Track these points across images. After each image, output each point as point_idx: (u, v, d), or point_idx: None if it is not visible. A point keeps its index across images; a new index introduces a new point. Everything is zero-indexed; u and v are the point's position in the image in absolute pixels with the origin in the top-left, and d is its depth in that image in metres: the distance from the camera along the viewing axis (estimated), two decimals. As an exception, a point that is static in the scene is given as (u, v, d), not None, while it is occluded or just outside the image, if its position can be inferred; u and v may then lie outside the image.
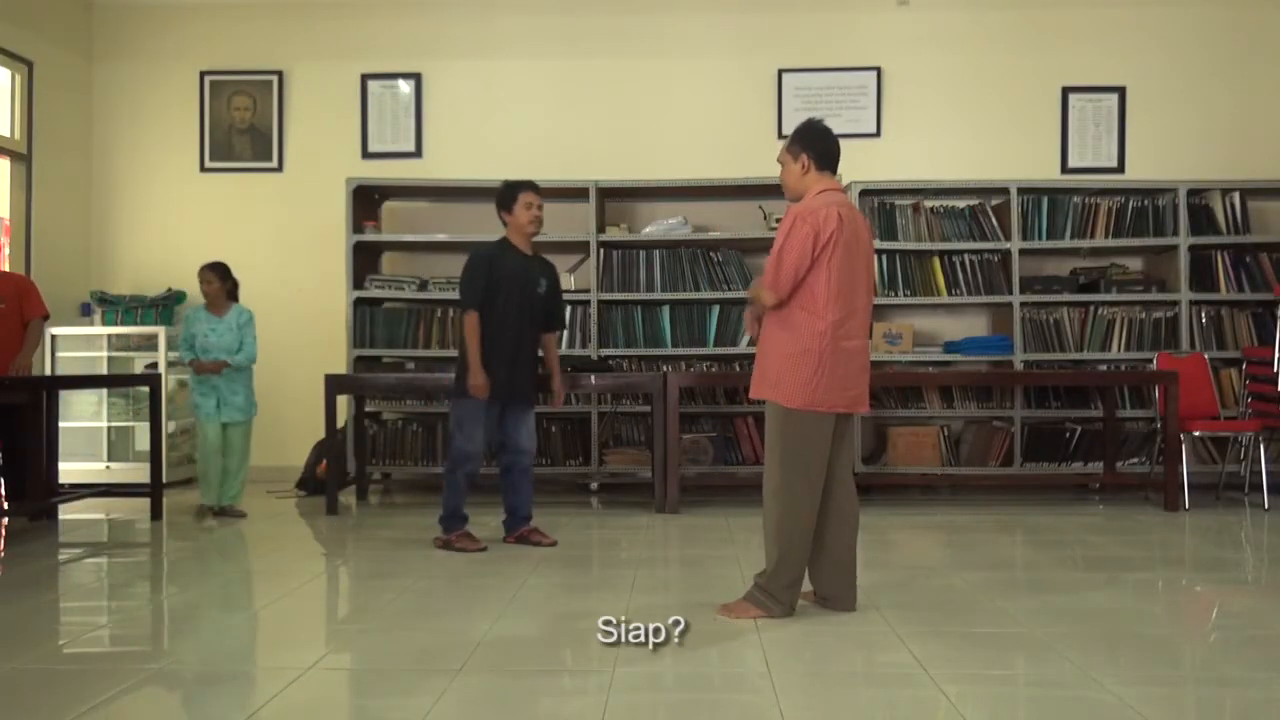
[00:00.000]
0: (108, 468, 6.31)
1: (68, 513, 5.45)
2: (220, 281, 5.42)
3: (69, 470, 5.83)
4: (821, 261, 3.11)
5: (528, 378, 4.46)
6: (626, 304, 6.18)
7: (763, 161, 6.49)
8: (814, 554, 3.29)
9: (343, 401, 5.83)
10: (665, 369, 6.03)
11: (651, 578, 3.87)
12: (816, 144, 3.26)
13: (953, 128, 6.55)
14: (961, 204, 6.21)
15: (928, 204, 6.20)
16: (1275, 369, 5.54)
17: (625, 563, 4.16)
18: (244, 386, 5.44)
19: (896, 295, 6.11)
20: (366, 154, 6.70)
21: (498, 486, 4.54)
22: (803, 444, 3.16)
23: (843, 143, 6.95)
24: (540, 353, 4.59)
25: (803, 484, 3.17)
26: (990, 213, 6.16)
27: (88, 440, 6.35)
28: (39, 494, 5.12)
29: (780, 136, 6.55)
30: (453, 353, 6.13)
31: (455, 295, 6.11)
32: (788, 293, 3.14)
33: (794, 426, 3.16)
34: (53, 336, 6.27)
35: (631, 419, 6.26)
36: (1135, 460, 6.04)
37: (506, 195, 4.45)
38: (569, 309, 6.16)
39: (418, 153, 6.69)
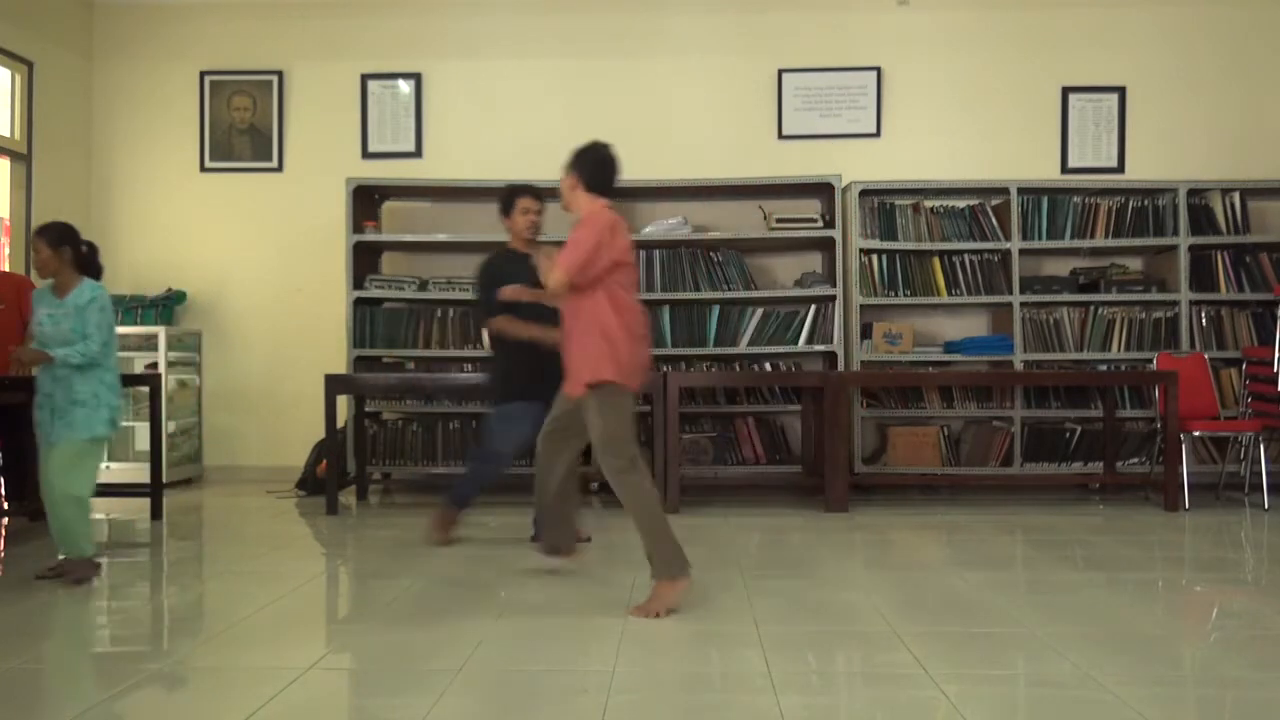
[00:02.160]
0: (108, 468, 6.29)
1: (68, 513, 5.44)
2: (51, 249, 3.88)
3: (69, 470, 5.81)
4: (622, 261, 3.41)
5: (558, 373, 4.43)
6: (626, 304, 6.18)
7: (763, 161, 6.52)
8: (548, 508, 3.73)
9: (343, 401, 5.83)
10: (665, 369, 6.03)
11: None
12: (586, 170, 3.49)
13: (953, 128, 6.55)
14: (961, 204, 6.21)
15: (928, 204, 6.20)
16: (1275, 369, 5.54)
17: (625, 563, 4.16)
18: (88, 393, 3.87)
19: (896, 295, 6.11)
20: (366, 154, 6.70)
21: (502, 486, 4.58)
22: (626, 419, 3.42)
23: (843, 143, 7.02)
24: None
25: (637, 456, 3.40)
26: (990, 213, 6.16)
27: (88, 440, 6.33)
28: (39, 494, 5.11)
29: (780, 136, 6.57)
30: (453, 353, 6.16)
31: (455, 295, 6.15)
32: (578, 270, 3.33)
33: (620, 404, 3.40)
34: (53, 336, 6.26)
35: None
36: (1135, 460, 6.04)
37: (505, 201, 4.51)
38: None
39: (418, 153, 6.69)
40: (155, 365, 6.31)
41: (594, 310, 3.40)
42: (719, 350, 6.09)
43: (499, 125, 6.66)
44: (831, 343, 6.03)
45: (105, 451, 4.03)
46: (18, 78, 6.22)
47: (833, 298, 6.07)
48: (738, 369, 6.21)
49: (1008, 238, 6.08)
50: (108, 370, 3.97)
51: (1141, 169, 6.44)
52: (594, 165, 3.48)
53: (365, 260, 6.34)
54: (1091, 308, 6.08)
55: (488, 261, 4.50)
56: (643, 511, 3.37)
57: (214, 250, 6.74)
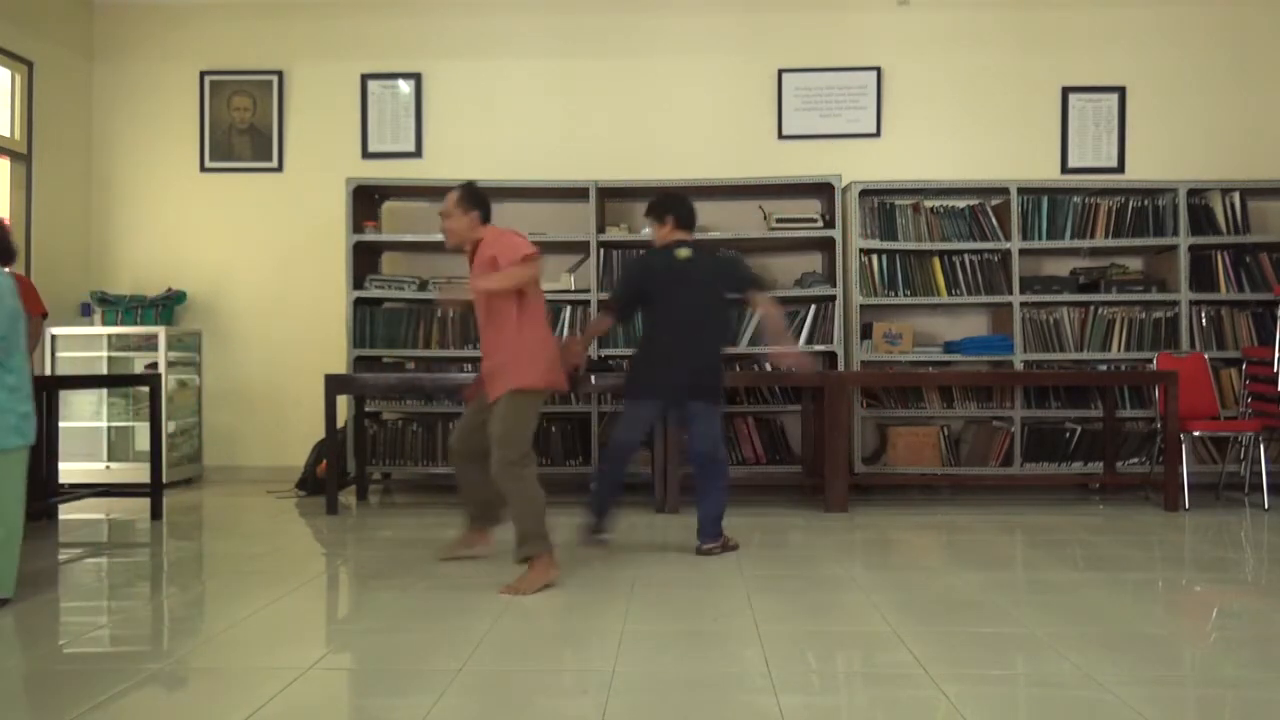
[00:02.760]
0: (108, 468, 6.31)
1: (68, 513, 5.45)
2: None
3: (69, 470, 5.83)
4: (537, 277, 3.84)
5: (692, 380, 4.27)
6: (626, 304, 6.17)
7: (763, 161, 6.53)
8: (471, 494, 4.12)
9: (343, 401, 5.83)
10: (665, 369, 6.02)
11: (651, 578, 3.87)
12: (480, 204, 3.96)
13: (953, 128, 6.55)
14: (961, 204, 6.22)
15: (928, 204, 6.20)
16: (1275, 369, 5.54)
17: (625, 563, 4.16)
18: None
19: (896, 295, 6.11)
20: (366, 154, 6.70)
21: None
22: (531, 418, 3.80)
23: (843, 143, 7.02)
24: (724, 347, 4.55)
25: (529, 453, 3.77)
26: (990, 213, 6.16)
27: (88, 440, 6.35)
28: (39, 494, 5.11)
29: (780, 136, 6.57)
30: (453, 353, 6.17)
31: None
32: (529, 255, 3.70)
33: (531, 404, 3.79)
34: (53, 336, 6.28)
35: (631, 419, 6.25)
36: (1135, 460, 6.04)
37: (681, 211, 4.44)
38: (569, 309, 6.17)
39: (418, 153, 6.69)
40: (155, 365, 6.31)
41: (523, 318, 3.81)
42: (719, 350, 6.08)
43: (499, 125, 6.66)
44: (831, 343, 6.03)
45: (24, 465, 3.49)
46: (18, 78, 6.22)
47: (833, 298, 6.07)
48: (737, 369, 6.21)
49: (1008, 238, 6.08)
50: (9, 372, 3.41)
51: (1141, 169, 6.45)
52: (485, 203, 3.97)
53: (365, 260, 6.34)
54: (1091, 308, 6.08)
55: (638, 258, 4.48)
56: (524, 499, 3.71)
57: (214, 250, 6.74)
